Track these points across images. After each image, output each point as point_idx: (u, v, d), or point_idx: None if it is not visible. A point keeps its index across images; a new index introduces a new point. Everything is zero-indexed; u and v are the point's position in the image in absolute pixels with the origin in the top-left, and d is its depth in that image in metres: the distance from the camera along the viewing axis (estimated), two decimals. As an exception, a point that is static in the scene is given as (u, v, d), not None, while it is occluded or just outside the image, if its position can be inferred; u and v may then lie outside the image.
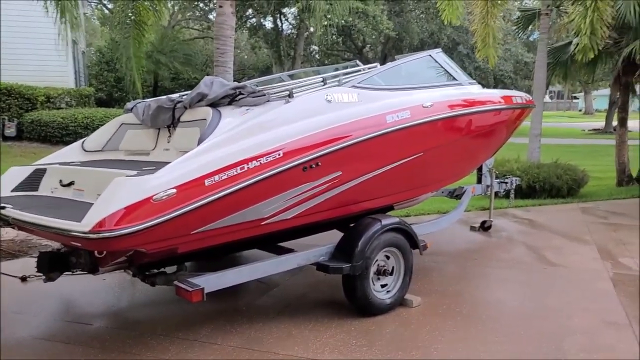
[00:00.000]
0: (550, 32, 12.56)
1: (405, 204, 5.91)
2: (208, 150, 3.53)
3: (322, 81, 4.44)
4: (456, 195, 7.18)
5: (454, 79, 5.46)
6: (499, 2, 10.66)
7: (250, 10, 23.20)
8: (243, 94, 4.03)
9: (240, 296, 5.01)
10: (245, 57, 36.86)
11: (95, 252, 3.46)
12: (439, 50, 5.57)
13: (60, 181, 4.25)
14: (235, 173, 3.53)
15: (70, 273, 4.14)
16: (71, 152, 4.80)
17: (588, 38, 9.62)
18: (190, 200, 3.30)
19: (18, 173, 4.44)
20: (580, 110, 60.84)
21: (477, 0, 10.77)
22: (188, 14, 30.69)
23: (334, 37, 25.63)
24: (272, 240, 4.86)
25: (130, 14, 10.54)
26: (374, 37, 26.93)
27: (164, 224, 3.19)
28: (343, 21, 19.64)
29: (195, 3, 26.63)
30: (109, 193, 3.18)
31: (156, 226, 3.15)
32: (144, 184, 3.21)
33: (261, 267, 4.09)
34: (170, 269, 4.21)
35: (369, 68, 4.95)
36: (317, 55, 31.72)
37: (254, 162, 3.63)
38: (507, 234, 7.87)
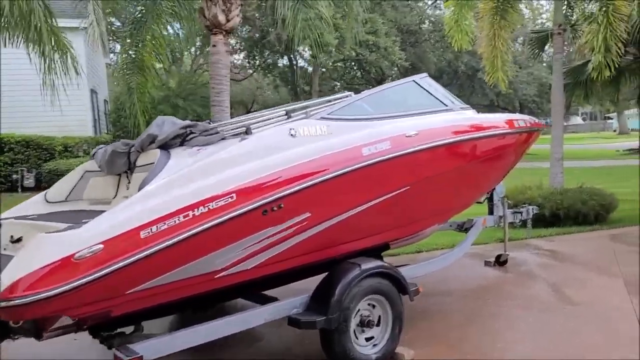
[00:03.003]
0: (571, 51, 12.06)
1: (404, 242, 5.43)
2: (147, 198, 3.17)
3: (286, 114, 4.07)
4: (465, 228, 6.63)
5: (444, 104, 5.02)
6: (507, 23, 10.23)
7: (267, 52, 23.36)
8: (194, 133, 3.69)
9: (225, 348, 4.53)
10: (271, 95, 37.20)
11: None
12: (425, 75, 5.16)
13: (11, 237, 3.95)
14: (177, 222, 3.15)
15: (12, 339, 3.78)
16: (33, 204, 4.52)
17: (602, 55, 9.08)
18: (121, 257, 2.93)
19: None
20: (614, 131, 58.96)
21: (483, 22, 10.37)
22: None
23: (353, 70, 25.59)
24: (256, 288, 4.45)
25: (131, 60, 10.49)
26: (392, 69, 26.80)
27: (88, 285, 2.82)
28: (354, 53, 19.54)
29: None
30: (26, 251, 2.84)
31: (78, 289, 2.78)
32: (66, 240, 2.86)
33: (220, 326, 3.64)
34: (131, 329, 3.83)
35: (341, 98, 4.55)
36: (338, 90, 31.76)
37: (201, 208, 3.25)
38: (525, 268, 7.24)
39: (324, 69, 23.98)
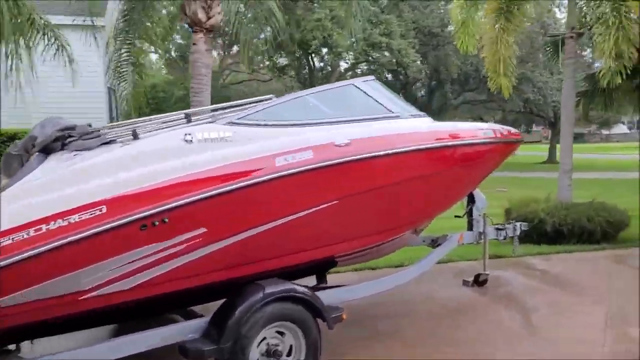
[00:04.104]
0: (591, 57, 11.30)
1: (352, 259, 5.00)
2: None
3: (185, 118, 3.71)
4: (438, 244, 6.12)
5: (390, 111, 4.54)
6: (511, 26, 9.58)
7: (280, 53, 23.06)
8: (73, 136, 3.37)
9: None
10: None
11: None
12: (371, 78, 4.71)
13: None
14: (27, 236, 2.84)
15: None
16: None
17: (613, 60, 8.36)
18: None
19: None
20: (666, 140, 56.11)
21: (486, 24, 9.76)
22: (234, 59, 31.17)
23: (376, 73, 25.05)
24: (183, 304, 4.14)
25: (125, 55, 10.37)
26: (421, 73, 26.14)
27: None
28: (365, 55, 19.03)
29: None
30: None
31: None
32: None
33: (102, 350, 3.29)
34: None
35: (261, 101, 4.15)
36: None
37: (59, 220, 2.93)
38: (505, 290, 6.68)
39: (342, 70, 23.54)
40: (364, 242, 4.66)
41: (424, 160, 4.43)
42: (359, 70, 26.85)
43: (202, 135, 3.54)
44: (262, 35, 22.02)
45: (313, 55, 20.78)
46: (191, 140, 3.49)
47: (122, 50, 10.37)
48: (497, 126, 5.50)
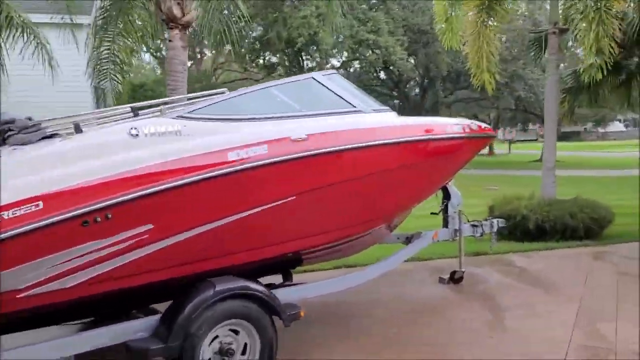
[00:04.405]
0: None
1: (319, 256, 4.93)
2: None
3: (132, 111, 3.63)
4: (413, 242, 6.05)
5: (351, 105, 4.46)
6: (492, 21, 9.51)
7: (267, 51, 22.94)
8: (13, 130, 3.29)
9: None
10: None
11: None
12: (332, 71, 4.63)
13: None
14: None
15: None
16: None
17: (594, 56, 8.29)
18: None
19: None
20: (662, 137, 56.03)
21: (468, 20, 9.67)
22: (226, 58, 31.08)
23: (370, 71, 25.00)
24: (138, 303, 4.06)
25: (105, 53, 10.26)
26: (415, 71, 26.06)
27: None
28: (350, 52, 18.85)
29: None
30: None
31: None
32: None
33: (42, 349, 3.22)
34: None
35: (215, 94, 4.06)
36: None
37: (-8, 216, 2.85)
38: (481, 287, 6.60)
39: (332, 68, 23.40)
40: (328, 238, 4.57)
41: (384, 155, 4.34)
42: (352, 69, 26.80)
43: (149, 129, 3.46)
44: (253, 33, 22.13)
45: (302, 53, 20.68)
46: (137, 135, 3.41)
47: (102, 48, 10.27)
48: (467, 121, 5.41)
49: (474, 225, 6.68)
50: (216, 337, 3.58)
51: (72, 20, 10.34)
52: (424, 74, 25.03)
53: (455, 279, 6.59)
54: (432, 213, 6.66)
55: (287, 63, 24.49)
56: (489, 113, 36.05)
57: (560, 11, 10.12)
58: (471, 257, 7.81)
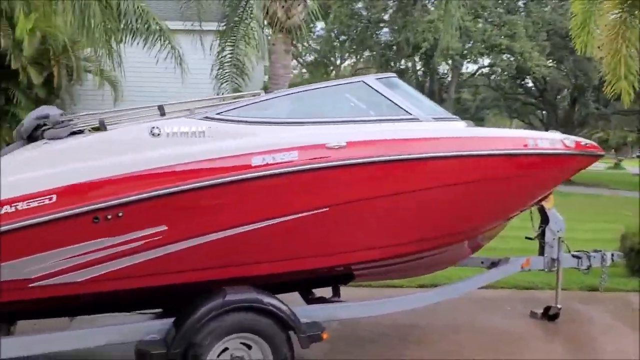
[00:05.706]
0: None
1: (387, 274, 4.61)
2: None
3: (159, 111, 3.61)
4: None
5: (407, 112, 4.02)
6: (635, 21, 8.17)
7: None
8: (47, 125, 3.45)
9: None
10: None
11: None
12: (390, 75, 4.20)
13: None
14: None
15: None
16: None
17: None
18: None
19: None
20: None
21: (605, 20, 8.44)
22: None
23: (509, 79, 23.34)
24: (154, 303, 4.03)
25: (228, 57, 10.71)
26: (568, 79, 23.78)
27: None
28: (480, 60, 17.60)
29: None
30: None
31: None
32: None
33: (53, 340, 3.32)
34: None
35: (252, 95, 3.89)
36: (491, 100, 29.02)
37: (7, 207, 2.99)
38: (577, 329, 5.67)
39: (462, 75, 22.22)
40: (382, 254, 4.17)
41: (436, 169, 3.86)
42: (493, 75, 25.27)
43: (172, 129, 3.42)
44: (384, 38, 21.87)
45: (430, 58, 19.87)
46: (158, 134, 3.39)
47: (225, 52, 10.79)
48: (561, 136, 4.65)
49: (575, 256, 5.78)
50: (226, 349, 3.43)
51: (200, 26, 10.98)
52: (574, 83, 22.60)
53: (549, 315, 5.76)
54: (526, 237, 5.91)
55: (417, 68, 23.80)
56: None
57: None
58: (583, 292, 6.84)
